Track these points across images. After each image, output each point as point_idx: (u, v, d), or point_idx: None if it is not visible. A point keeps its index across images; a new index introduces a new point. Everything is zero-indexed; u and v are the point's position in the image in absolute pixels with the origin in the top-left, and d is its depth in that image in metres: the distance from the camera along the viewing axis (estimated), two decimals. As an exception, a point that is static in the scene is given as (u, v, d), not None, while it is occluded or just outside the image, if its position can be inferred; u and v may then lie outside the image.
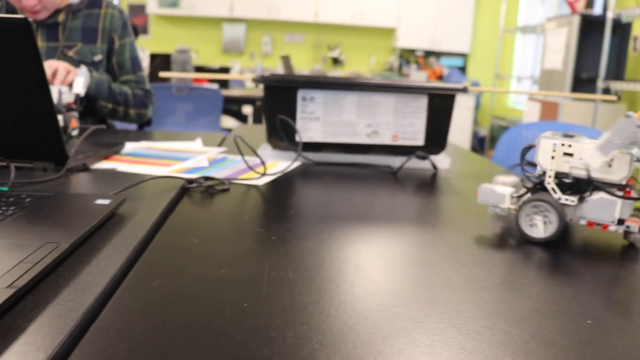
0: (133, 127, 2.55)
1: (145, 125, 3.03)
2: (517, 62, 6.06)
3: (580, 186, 0.60)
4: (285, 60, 3.85)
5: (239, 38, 6.74)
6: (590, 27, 3.65)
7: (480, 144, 6.09)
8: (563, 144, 0.60)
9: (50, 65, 1.18)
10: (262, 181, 0.85)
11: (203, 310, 0.40)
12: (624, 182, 0.58)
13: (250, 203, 0.72)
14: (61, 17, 1.39)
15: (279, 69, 6.55)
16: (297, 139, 1.02)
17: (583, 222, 0.60)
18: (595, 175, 0.59)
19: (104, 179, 0.80)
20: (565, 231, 0.65)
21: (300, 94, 1.01)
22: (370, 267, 0.50)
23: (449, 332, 0.38)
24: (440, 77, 6.48)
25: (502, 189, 0.64)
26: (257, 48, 6.84)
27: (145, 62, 3.95)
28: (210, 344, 0.35)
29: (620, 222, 0.59)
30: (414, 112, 1.03)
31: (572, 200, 0.60)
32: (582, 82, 3.72)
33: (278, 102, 1.01)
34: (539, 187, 0.63)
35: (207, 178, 0.81)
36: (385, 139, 1.04)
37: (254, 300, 0.42)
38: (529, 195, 0.63)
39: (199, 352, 0.34)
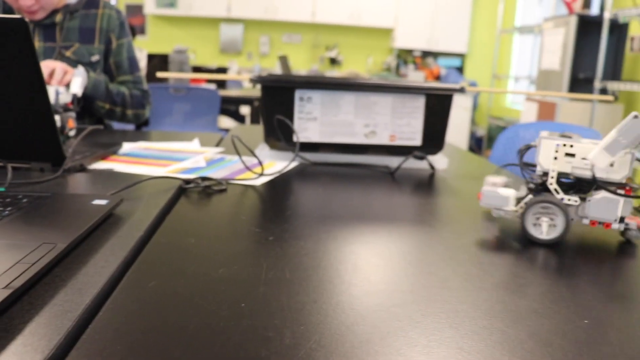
0: (130, 127, 2.54)
1: (142, 126, 3.02)
2: (515, 62, 6.07)
3: (582, 186, 0.60)
4: (283, 60, 3.85)
5: (237, 38, 6.74)
6: (588, 28, 3.66)
7: (477, 144, 6.09)
8: (564, 145, 0.60)
9: (47, 66, 1.18)
10: (260, 181, 0.85)
11: (200, 311, 0.40)
12: (624, 181, 0.59)
13: (247, 203, 0.72)
14: (58, 18, 1.39)
15: (277, 69, 6.55)
16: (295, 139, 1.02)
17: (586, 221, 0.61)
18: (597, 174, 0.59)
19: (101, 179, 0.80)
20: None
21: (298, 94, 1.01)
22: (368, 267, 0.50)
23: (447, 332, 0.38)
24: (437, 78, 6.49)
25: (506, 192, 0.63)
26: (254, 48, 6.84)
27: (142, 63, 3.94)
28: (208, 344, 0.35)
29: (621, 220, 0.60)
30: (411, 112, 1.03)
31: (574, 200, 0.60)
32: (580, 82, 3.73)
33: (275, 102, 1.01)
34: (540, 187, 0.63)
35: (204, 178, 0.81)
36: (382, 139, 1.04)
37: (252, 301, 0.42)
38: (530, 196, 0.63)
39: (196, 353, 0.34)
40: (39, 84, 0.77)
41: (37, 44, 1.38)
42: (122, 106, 1.49)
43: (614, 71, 3.67)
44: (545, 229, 0.59)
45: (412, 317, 0.41)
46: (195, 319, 0.38)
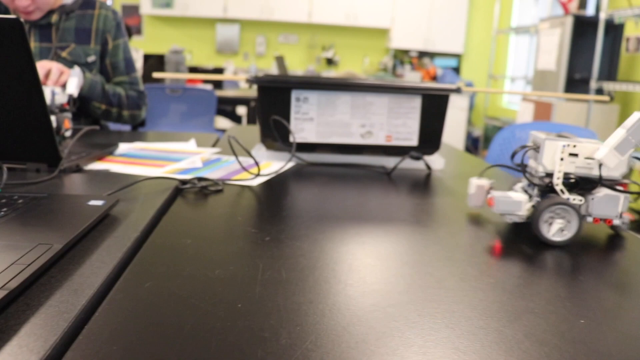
0: (127, 127, 2.54)
1: (139, 126, 3.02)
2: (511, 62, 6.08)
3: (584, 185, 0.61)
4: (279, 60, 3.85)
5: (233, 38, 6.73)
6: (583, 28, 3.67)
7: (474, 144, 6.10)
8: (568, 145, 0.61)
9: (43, 66, 1.18)
10: (256, 182, 0.85)
11: (197, 311, 0.40)
12: (621, 179, 0.62)
13: (244, 204, 0.72)
14: (54, 18, 1.38)
15: (273, 70, 6.55)
16: (291, 139, 1.02)
17: (589, 219, 0.62)
18: (597, 173, 0.61)
19: (97, 180, 0.80)
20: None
21: (294, 94, 1.01)
22: (364, 268, 0.50)
23: (443, 332, 0.39)
24: (434, 78, 6.50)
25: (518, 196, 0.63)
26: (251, 48, 6.84)
27: (138, 63, 3.93)
28: (204, 344, 0.35)
29: (620, 215, 0.62)
30: (407, 112, 1.03)
31: (579, 199, 0.61)
32: (575, 83, 3.74)
33: (272, 102, 1.01)
34: (547, 189, 0.63)
35: (200, 179, 0.81)
36: (379, 140, 1.04)
37: (248, 301, 0.42)
38: (536, 199, 0.63)
39: (192, 353, 0.34)
40: (35, 85, 0.77)
41: (33, 44, 1.38)
42: (118, 107, 1.48)
43: (609, 71, 3.68)
44: (559, 230, 0.60)
45: (408, 317, 0.41)
46: (192, 320, 0.38)
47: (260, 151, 1.06)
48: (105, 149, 1.00)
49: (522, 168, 0.65)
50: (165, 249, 0.53)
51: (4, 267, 0.42)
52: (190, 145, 1.18)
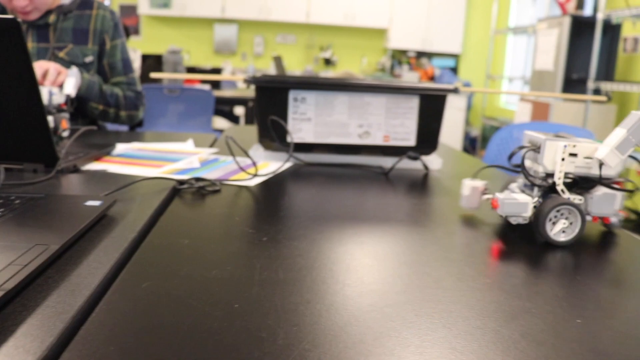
0: (124, 128, 2.54)
1: (136, 127, 3.02)
2: (509, 62, 6.09)
3: (583, 184, 0.62)
4: (277, 60, 3.84)
5: (231, 39, 6.73)
6: (581, 28, 3.68)
7: (471, 145, 6.11)
8: (568, 145, 0.61)
9: (40, 66, 1.18)
10: (254, 182, 0.85)
11: (194, 312, 0.40)
12: (617, 177, 0.63)
13: (241, 204, 0.72)
14: (52, 18, 1.38)
15: (271, 70, 6.55)
16: (289, 139, 1.02)
17: (588, 217, 0.63)
18: (595, 172, 0.62)
19: (94, 180, 0.80)
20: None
21: (292, 94, 1.01)
22: (362, 268, 0.50)
23: (440, 332, 0.39)
24: (432, 78, 6.50)
25: (524, 197, 0.63)
26: (249, 49, 6.84)
27: (136, 63, 3.93)
28: (201, 345, 0.35)
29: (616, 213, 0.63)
30: (405, 112, 1.03)
31: (579, 199, 0.62)
32: (573, 83, 3.75)
33: (269, 102, 1.01)
34: (548, 189, 0.63)
35: (198, 179, 0.81)
36: (376, 140, 1.04)
37: (245, 301, 0.42)
38: (538, 200, 0.64)
39: (189, 354, 0.34)
40: (32, 85, 0.77)
41: (31, 44, 1.37)
42: (116, 107, 1.48)
43: (607, 72, 3.69)
44: (563, 230, 0.60)
45: (405, 317, 0.41)
46: (189, 320, 0.38)
47: (257, 151, 1.06)
48: (103, 149, 0.99)
49: (523, 169, 0.65)
50: (162, 250, 0.52)
51: (0, 268, 0.42)
52: (188, 145, 1.18)
